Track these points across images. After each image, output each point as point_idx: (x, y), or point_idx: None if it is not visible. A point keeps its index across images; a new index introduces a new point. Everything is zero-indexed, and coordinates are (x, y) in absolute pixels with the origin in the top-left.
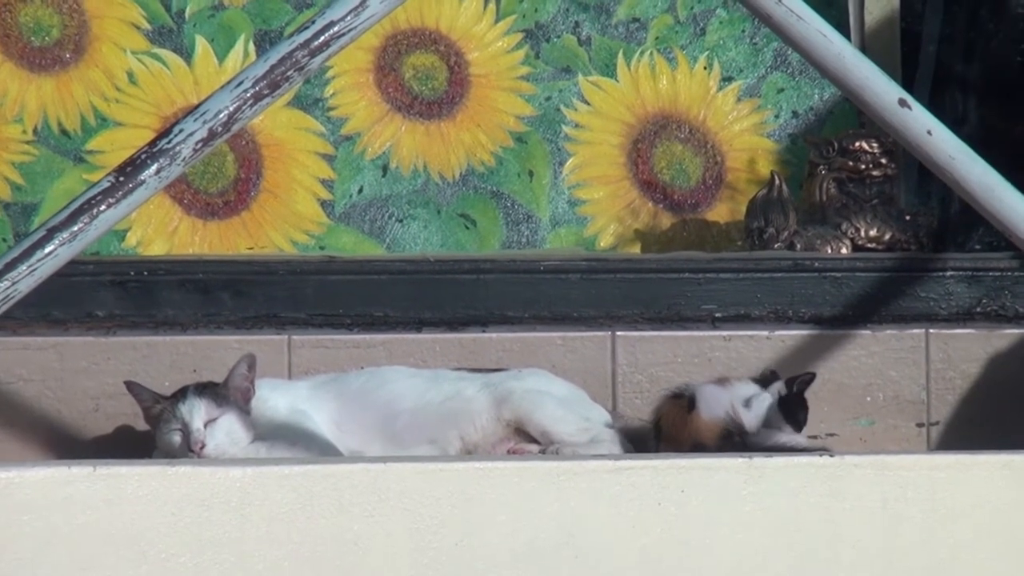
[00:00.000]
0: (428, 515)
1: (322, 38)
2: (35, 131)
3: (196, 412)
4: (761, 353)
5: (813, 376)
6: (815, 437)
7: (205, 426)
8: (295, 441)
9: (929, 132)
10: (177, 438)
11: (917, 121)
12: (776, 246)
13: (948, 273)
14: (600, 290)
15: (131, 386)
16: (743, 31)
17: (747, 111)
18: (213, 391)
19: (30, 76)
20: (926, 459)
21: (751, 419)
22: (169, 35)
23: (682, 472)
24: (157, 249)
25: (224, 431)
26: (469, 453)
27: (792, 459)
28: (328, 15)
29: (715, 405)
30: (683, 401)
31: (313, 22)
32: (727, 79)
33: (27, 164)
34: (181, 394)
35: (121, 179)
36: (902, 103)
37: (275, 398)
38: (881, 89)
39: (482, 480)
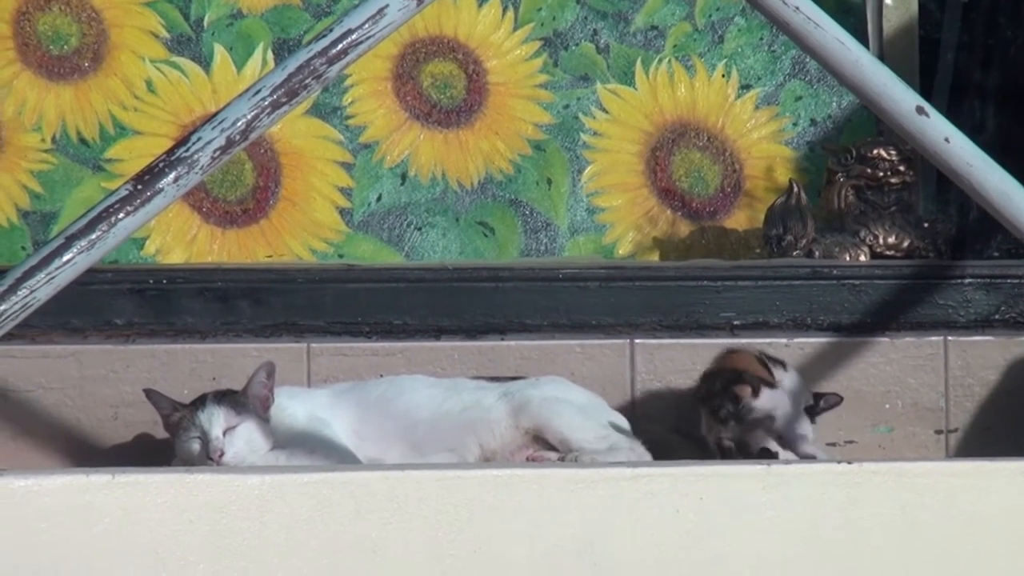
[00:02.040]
0: (446, 523)
1: (340, 46)
2: (54, 140)
3: (215, 420)
4: None
5: (839, 400)
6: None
7: (224, 434)
8: (314, 449)
9: (947, 139)
10: (196, 446)
11: (935, 128)
12: (795, 254)
13: (966, 280)
14: (618, 298)
15: (150, 394)
16: (761, 39)
17: (765, 119)
18: (232, 399)
19: (49, 85)
20: (945, 466)
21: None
22: (187, 43)
23: (700, 480)
24: (176, 257)
25: (243, 439)
26: (488, 461)
27: (810, 466)
28: (346, 23)
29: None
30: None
31: (331, 30)
32: (745, 87)
33: (46, 172)
34: (200, 402)
35: (139, 187)
36: (920, 110)
37: (294, 406)
38: (899, 96)
39: (500, 488)
